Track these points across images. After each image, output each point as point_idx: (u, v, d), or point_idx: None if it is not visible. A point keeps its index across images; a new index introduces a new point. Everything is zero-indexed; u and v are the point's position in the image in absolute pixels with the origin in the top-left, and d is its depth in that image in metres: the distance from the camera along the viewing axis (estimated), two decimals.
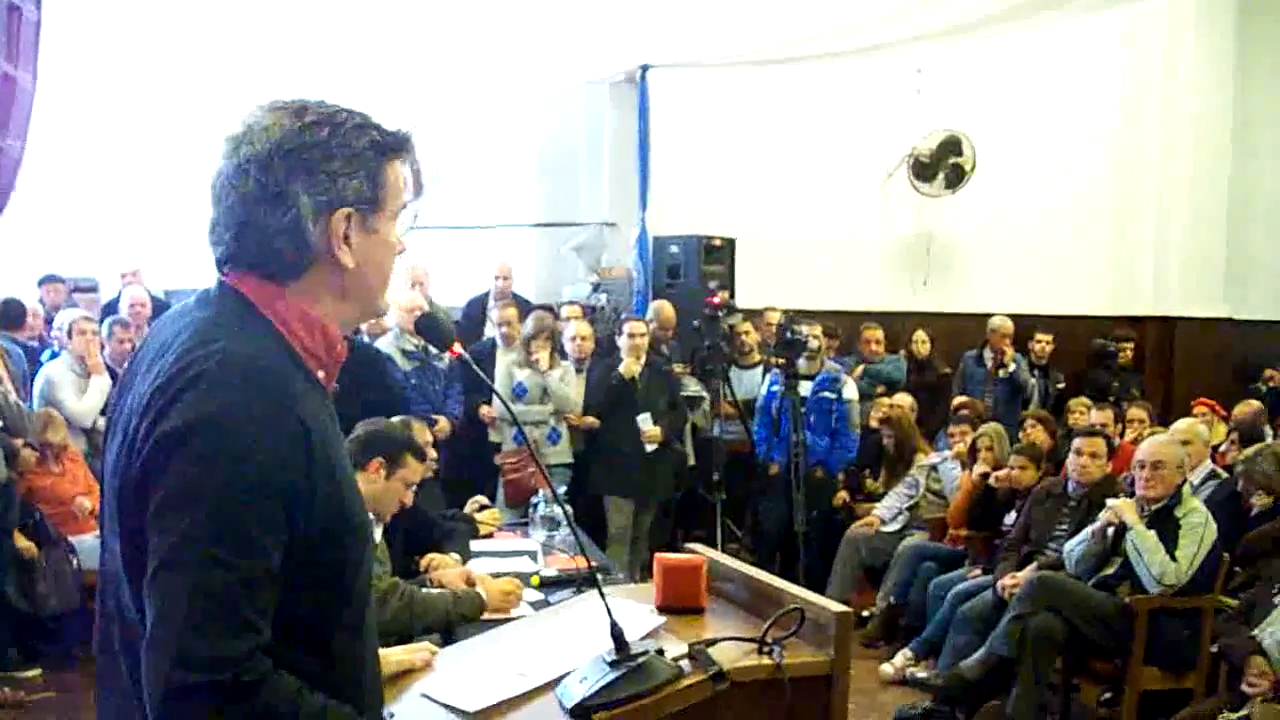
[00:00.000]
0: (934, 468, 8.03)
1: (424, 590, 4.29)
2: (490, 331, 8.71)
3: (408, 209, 1.93)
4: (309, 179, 1.78)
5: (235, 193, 1.79)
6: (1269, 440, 7.54)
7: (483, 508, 6.29)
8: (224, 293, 1.84)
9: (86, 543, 6.69)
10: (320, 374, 1.88)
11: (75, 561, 6.69)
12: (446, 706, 2.30)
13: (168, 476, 1.63)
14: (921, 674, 6.71)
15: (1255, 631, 4.89)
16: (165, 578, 1.60)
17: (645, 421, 7.88)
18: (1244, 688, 4.74)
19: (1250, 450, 6.85)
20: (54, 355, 7.69)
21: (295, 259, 1.81)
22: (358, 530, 1.84)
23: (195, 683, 1.56)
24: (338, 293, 1.87)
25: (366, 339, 8.13)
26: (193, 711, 1.57)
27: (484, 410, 7.99)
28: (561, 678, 2.27)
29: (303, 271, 1.83)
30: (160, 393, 1.68)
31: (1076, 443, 6.56)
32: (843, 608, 2.43)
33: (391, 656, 2.54)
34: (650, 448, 7.92)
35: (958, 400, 9.22)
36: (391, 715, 2.22)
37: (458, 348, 2.23)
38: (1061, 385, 10.35)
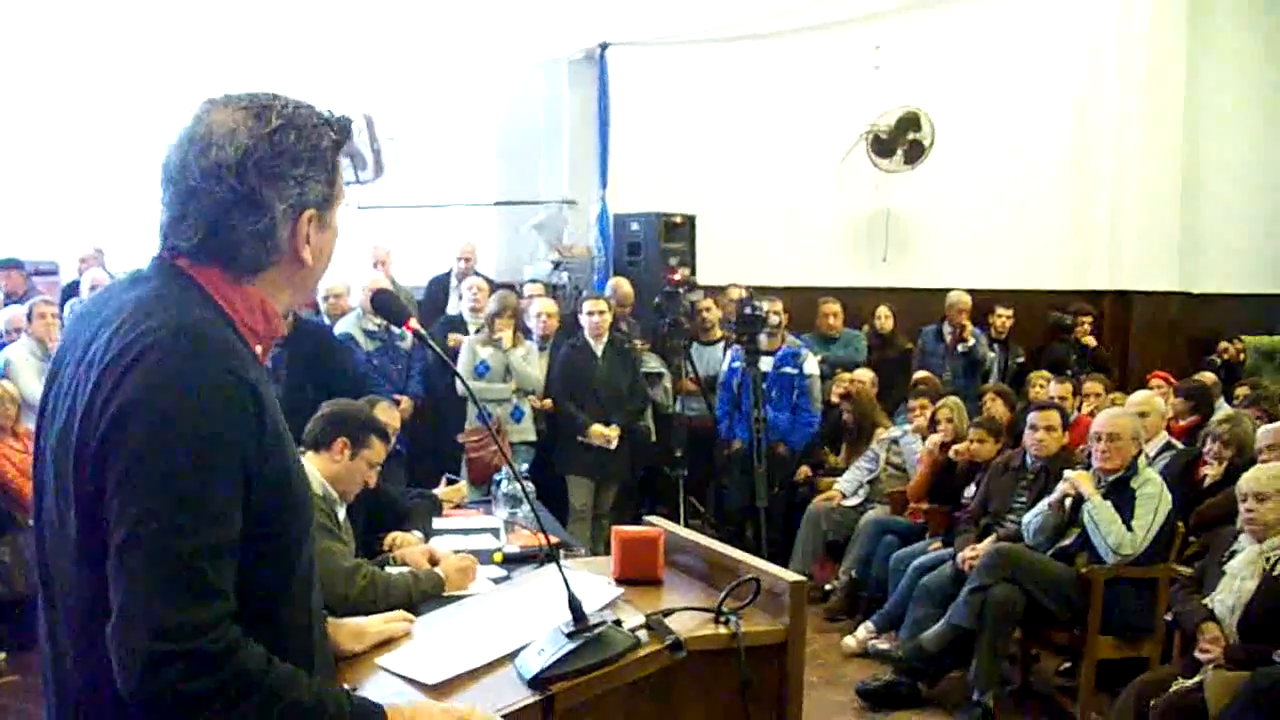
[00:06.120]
0: (894, 441, 8.07)
1: (386, 570, 4.29)
2: (454, 308, 8.72)
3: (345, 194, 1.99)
4: (281, 184, 1.82)
5: (207, 196, 1.80)
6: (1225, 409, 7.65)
7: (450, 482, 6.31)
8: (162, 269, 1.85)
9: None
10: (258, 349, 1.89)
11: None
12: (406, 679, 2.31)
13: (126, 449, 1.64)
14: (883, 646, 6.74)
15: (1206, 600, 4.96)
16: (131, 551, 1.60)
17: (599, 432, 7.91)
18: (1197, 654, 4.80)
19: (1222, 414, 6.99)
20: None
21: (262, 259, 1.85)
22: (302, 504, 1.86)
23: (170, 651, 1.57)
24: (290, 286, 1.93)
25: (327, 320, 8.13)
26: (170, 680, 1.58)
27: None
28: (520, 650, 2.29)
29: (266, 269, 1.86)
30: (111, 367, 1.69)
31: (1031, 418, 6.63)
32: (797, 576, 2.46)
33: (371, 627, 2.57)
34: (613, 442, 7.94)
35: (917, 375, 9.27)
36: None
37: (413, 322, 2.24)
38: (1021, 360, 10.43)
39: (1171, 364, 10.04)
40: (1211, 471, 6.53)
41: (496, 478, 6.23)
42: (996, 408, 7.83)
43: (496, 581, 4.40)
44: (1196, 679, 4.67)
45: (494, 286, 8.78)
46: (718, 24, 10.36)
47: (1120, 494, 5.76)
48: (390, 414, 5.69)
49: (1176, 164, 11.31)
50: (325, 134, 1.88)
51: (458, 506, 6.04)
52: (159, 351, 1.68)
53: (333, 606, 2.91)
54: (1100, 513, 5.67)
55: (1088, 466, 6.03)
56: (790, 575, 2.46)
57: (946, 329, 10.14)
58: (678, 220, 9.89)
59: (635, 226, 9.91)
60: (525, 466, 7.29)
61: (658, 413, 8.73)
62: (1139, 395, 7.62)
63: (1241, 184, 11.60)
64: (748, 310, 8.00)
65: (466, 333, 8.26)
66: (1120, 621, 5.71)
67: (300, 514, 1.85)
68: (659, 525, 2.88)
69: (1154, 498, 5.73)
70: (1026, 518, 6.09)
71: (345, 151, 1.95)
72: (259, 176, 1.80)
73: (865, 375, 8.98)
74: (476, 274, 9.11)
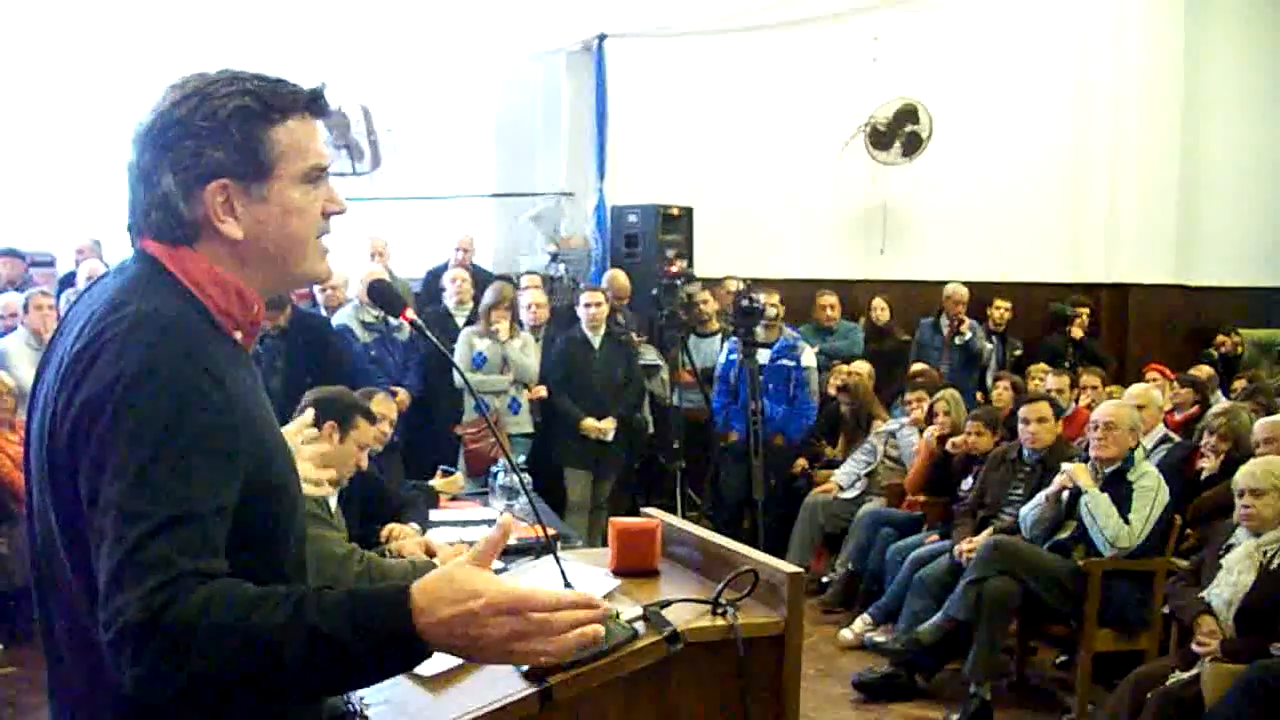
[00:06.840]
0: (892, 434, 8.07)
1: (383, 560, 4.29)
2: (448, 300, 8.71)
3: (325, 168, 1.91)
4: (172, 156, 1.78)
5: (127, 171, 1.83)
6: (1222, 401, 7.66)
7: (446, 474, 6.30)
8: (138, 258, 1.84)
9: None
10: (238, 334, 1.86)
11: None
12: None
13: (91, 443, 1.62)
14: (880, 639, 6.74)
15: (1203, 593, 4.95)
16: (101, 544, 1.58)
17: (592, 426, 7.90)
18: (1193, 647, 4.80)
19: (1219, 407, 6.98)
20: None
21: (178, 233, 1.81)
22: (282, 489, 1.83)
23: (110, 639, 1.53)
24: (237, 262, 1.84)
25: (324, 311, 8.11)
26: (123, 663, 1.54)
27: None
28: None
29: (192, 243, 1.81)
30: (77, 361, 1.68)
31: (1021, 411, 6.61)
32: (795, 568, 2.44)
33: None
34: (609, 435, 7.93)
35: (914, 367, 9.27)
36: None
37: (410, 313, 2.22)
38: (1018, 352, 10.43)
39: (1169, 357, 10.03)
40: (1208, 464, 6.54)
41: (494, 469, 6.23)
42: (1006, 398, 7.85)
43: (493, 573, 4.40)
44: (1193, 672, 4.67)
45: (484, 278, 8.75)
46: (715, 16, 10.36)
47: (1117, 487, 5.76)
48: (387, 406, 5.67)
49: (1174, 156, 11.32)
50: (234, 100, 1.80)
51: (454, 498, 6.04)
52: (118, 343, 1.66)
53: None
54: (1097, 505, 5.67)
55: (1085, 459, 6.03)
56: (788, 567, 2.45)
57: (944, 321, 10.14)
58: (675, 212, 9.87)
59: (632, 218, 9.90)
60: (522, 458, 7.28)
61: (655, 405, 8.72)
62: (1136, 388, 7.62)
63: (1240, 176, 11.59)
64: (745, 302, 8.01)
65: (454, 324, 8.24)
66: (1117, 614, 5.71)
67: (282, 499, 1.82)
68: (656, 517, 2.88)
69: (1151, 490, 5.73)
70: (1023, 510, 6.09)
71: (311, 121, 1.88)
72: (152, 149, 1.79)
73: (862, 367, 8.97)
74: (474, 266, 9.10)
